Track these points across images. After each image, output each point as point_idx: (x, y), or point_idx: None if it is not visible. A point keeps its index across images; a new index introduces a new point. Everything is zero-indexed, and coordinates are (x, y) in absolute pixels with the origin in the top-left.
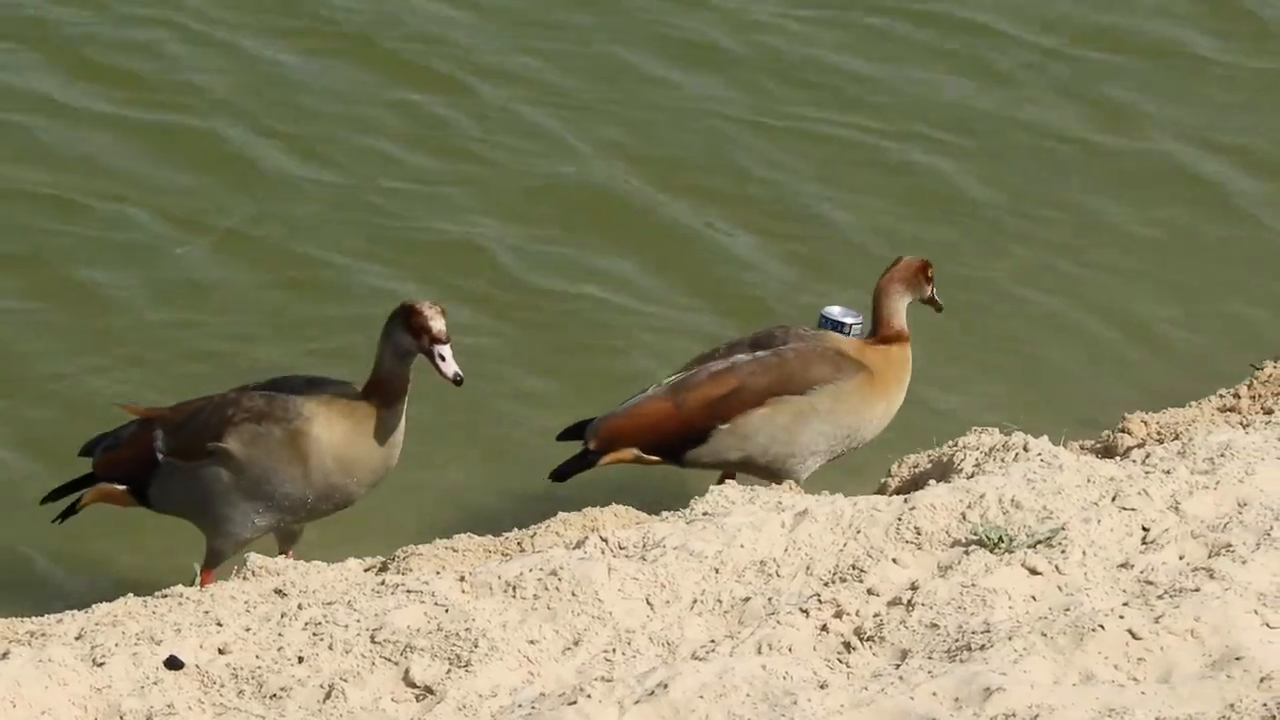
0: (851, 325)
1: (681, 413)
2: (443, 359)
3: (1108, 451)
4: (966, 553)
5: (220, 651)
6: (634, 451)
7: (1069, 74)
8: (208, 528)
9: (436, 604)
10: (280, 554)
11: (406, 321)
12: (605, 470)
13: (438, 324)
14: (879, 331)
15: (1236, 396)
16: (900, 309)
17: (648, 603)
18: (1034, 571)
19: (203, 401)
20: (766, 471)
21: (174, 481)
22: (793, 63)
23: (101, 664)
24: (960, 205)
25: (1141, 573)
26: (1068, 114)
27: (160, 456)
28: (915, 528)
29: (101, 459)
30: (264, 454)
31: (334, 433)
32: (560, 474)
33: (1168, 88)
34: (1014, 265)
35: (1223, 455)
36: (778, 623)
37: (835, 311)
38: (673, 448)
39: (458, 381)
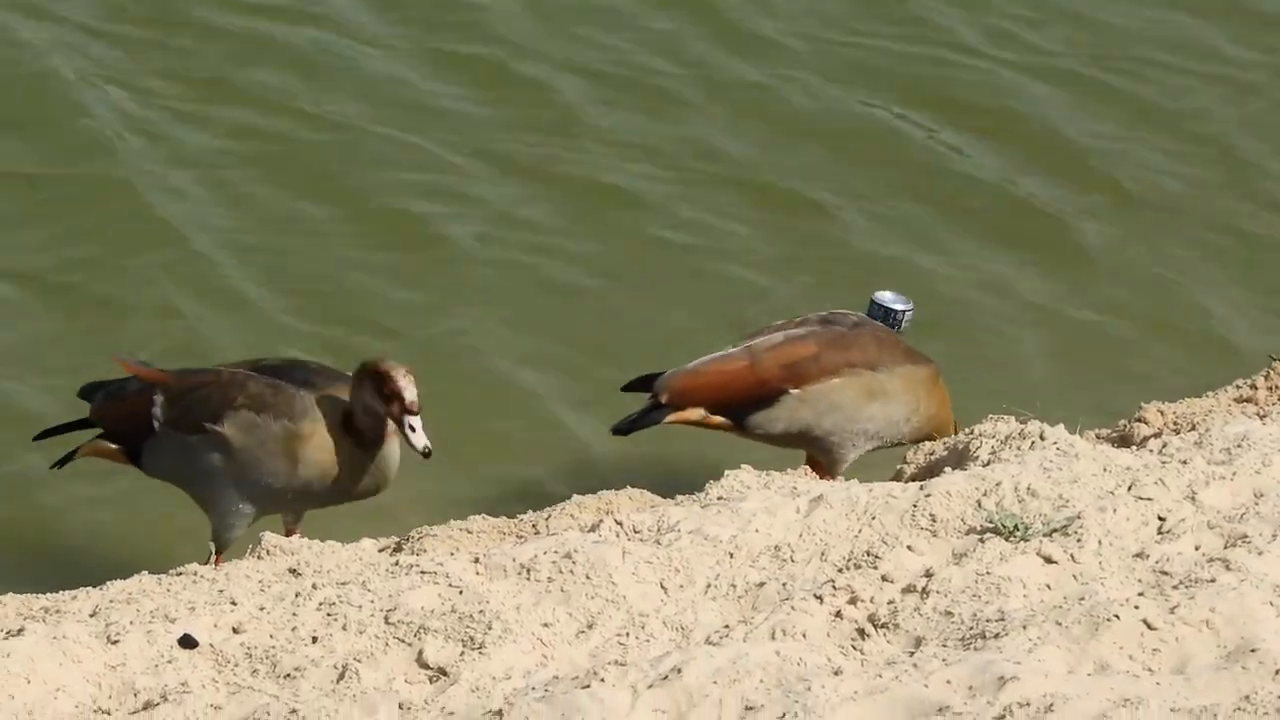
0: (903, 312)
1: (756, 372)
2: (413, 429)
3: (1124, 441)
4: (982, 540)
5: (234, 630)
6: (701, 411)
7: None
8: (199, 503)
9: (451, 585)
10: (286, 533)
11: (377, 386)
12: (620, 453)
13: (410, 393)
14: None
15: (1254, 387)
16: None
17: (662, 587)
18: (1049, 560)
19: (209, 375)
20: (819, 447)
21: (167, 451)
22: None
23: (116, 641)
24: (979, 192)
25: (1157, 563)
26: (1097, 99)
27: (156, 424)
28: (930, 515)
29: (98, 409)
30: (257, 444)
31: (327, 449)
32: (623, 429)
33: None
34: (1031, 254)
35: (1239, 446)
36: (792, 608)
37: (886, 297)
38: (740, 409)
39: (426, 454)
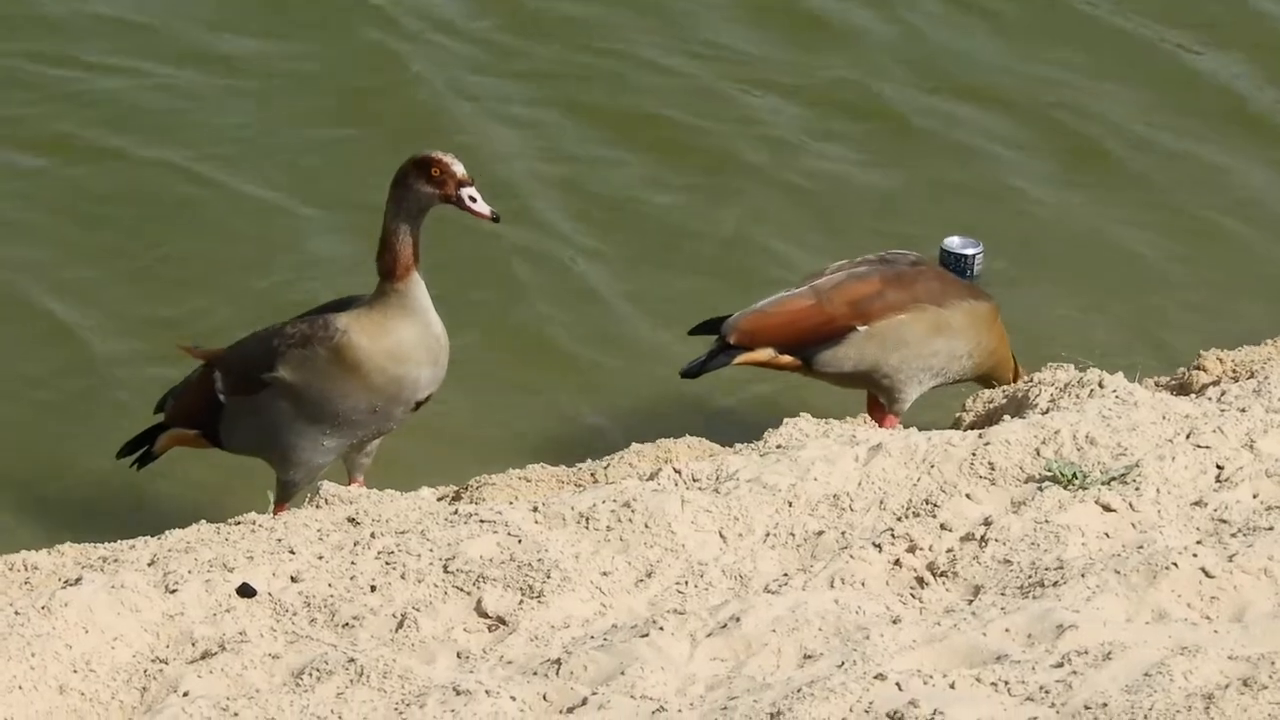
0: (973, 255)
1: (824, 310)
2: (474, 200)
3: (1183, 389)
4: (1040, 489)
5: (292, 580)
6: (770, 351)
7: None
8: (277, 460)
9: (509, 534)
10: (350, 483)
11: (425, 173)
12: (679, 401)
13: (459, 167)
14: None
15: None
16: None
17: (720, 535)
18: (1108, 509)
19: (249, 338)
20: (885, 384)
21: (239, 419)
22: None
23: (174, 591)
24: (1037, 138)
25: (1215, 511)
26: (1149, 48)
27: (222, 397)
28: (989, 463)
29: (171, 411)
30: (316, 375)
31: (372, 331)
32: (692, 371)
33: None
34: (1089, 201)
35: None
36: (850, 557)
37: (955, 243)
38: (809, 347)
39: (495, 219)
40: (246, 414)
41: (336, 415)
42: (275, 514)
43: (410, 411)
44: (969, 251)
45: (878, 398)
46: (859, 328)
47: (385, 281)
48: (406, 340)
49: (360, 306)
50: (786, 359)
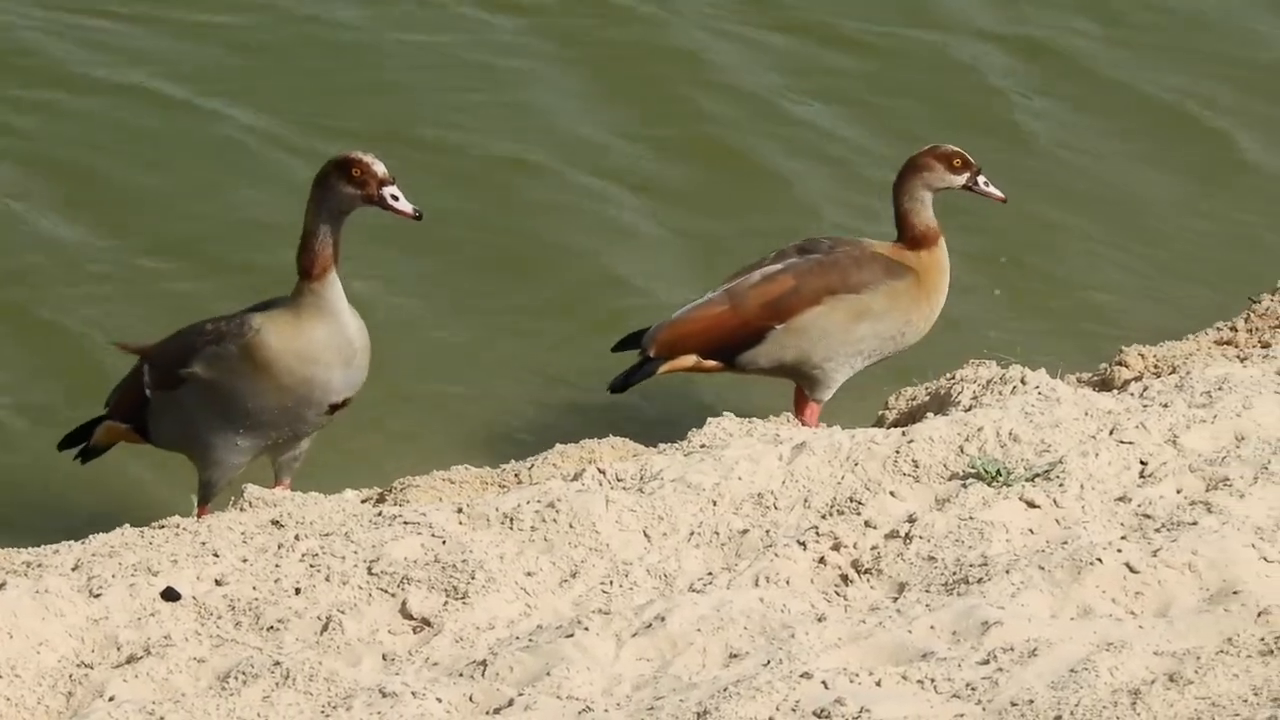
0: None
1: (739, 314)
2: (396, 199)
3: (1105, 385)
4: (964, 486)
5: (217, 583)
6: (693, 358)
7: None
8: (197, 458)
9: (434, 536)
10: (276, 485)
11: (346, 174)
12: (602, 402)
13: (380, 166)
14: (903, 234)
15: (1234, 330)
16: (919, 206)
17: (645, 535)
18: (1032, 505)
19: (175, 333)
20: (816, 372)
21: (162, 414)
22: None
23: (98, 595)
24: (963, 131)
25: (1139, 506)
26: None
27: (148, 392)
28: (913, 460)
29: (112, 404)
30: (227, 372)
31: (284, 331)
32: (619, 385)
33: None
34: (1011, 198)
35: (1220, 389)
36: (775, 555)
37: None
38: (730, 350)
39: (418, 217)
40: (168, 409)
41: (248, 414)
42: (198, 516)
43: (325, 415)
44: None
45: (801, 387)
46: (776, 326)
47: (302, 281)
48: (318, 341)
49: (278, 307)
50: (711, 363)
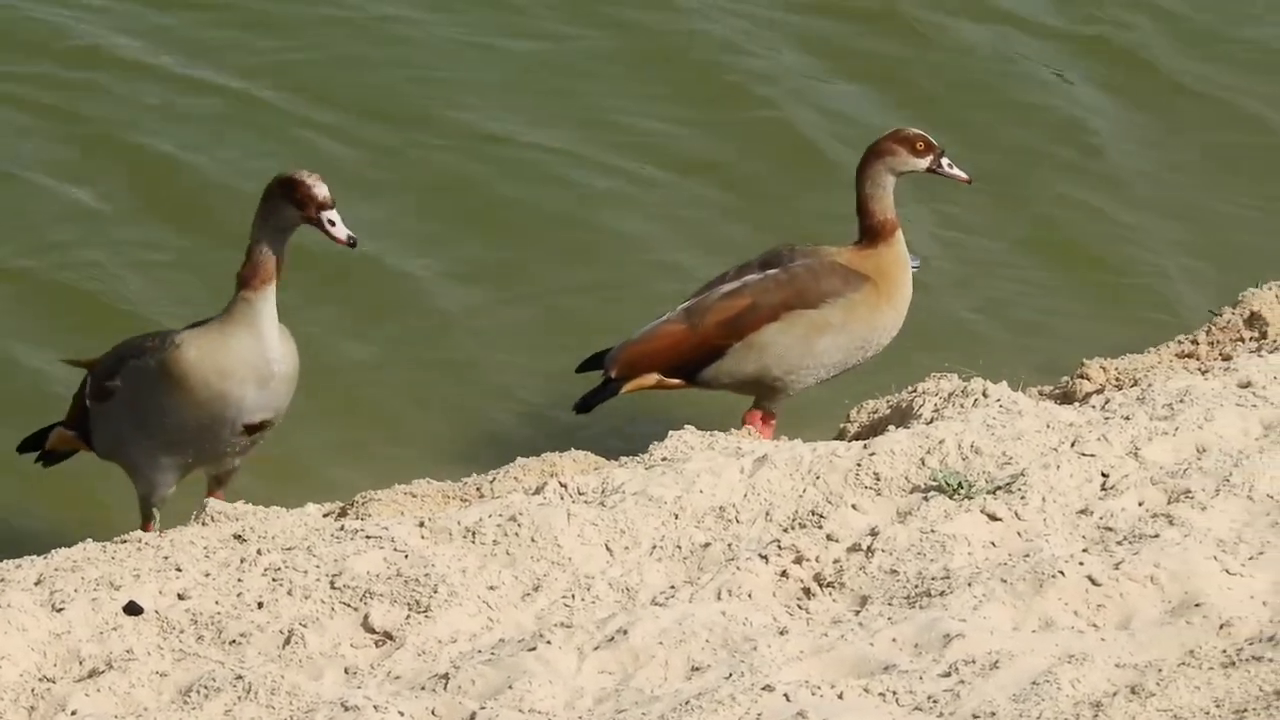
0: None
1: (697, 334)
2: (333, 224)
3: (1067, 398)
4: (926, 499)
5: (179, 597)
6: (655, 376)
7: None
8: (129, 472)
9: (396, 550)
10: (208, 495)
11: (289, 194)
12: (564, 416)
13: (322, 190)
14: (862, 221)
15: (1195, 343)
16: (880, 193)
17: (607, 548)
18: (993, 518)
19: (114, 346)
20: (778, 382)
21: (96, 425)
22: None
23: (61, 609)
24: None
25: (1101, 519)
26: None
27: (88, 402)
28: (874, 473)
29: (68, 413)
30: (145, 387)
31: (204, 345)
32: (583, 405)
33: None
34: (969, 208)
35: (1182, 401)
36: (737, 569)
37: None
38: (691, 368)
39: (352, 244)
40: (100, 420)
41: (164, 429)
42: (146, 531)
43: (242, 436)
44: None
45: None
46: (735, 344)
47: (239, 290)
48: (235, 355)
49: (209, 321)
50: (673, 381)
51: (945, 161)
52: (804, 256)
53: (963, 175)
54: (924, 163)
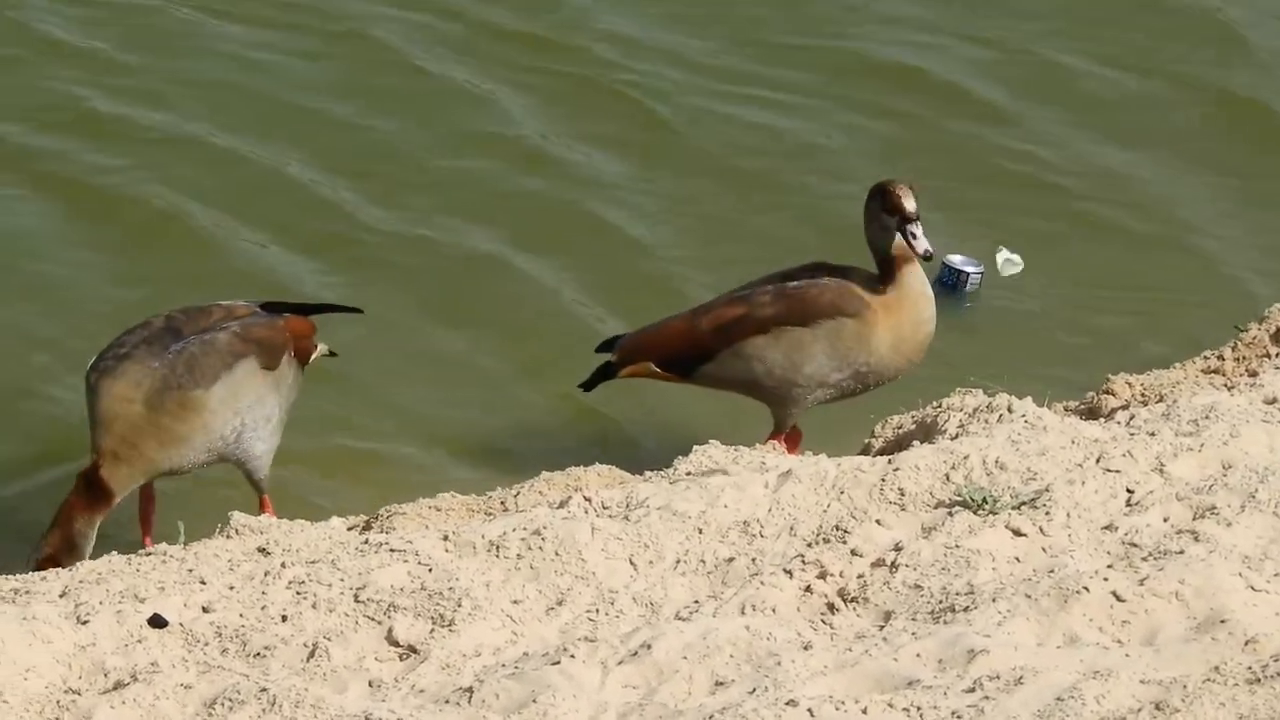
0: (971, 275)
1: (694, 333)
2: (914, 236)
3: (1092, 413)
4: (950, 514)
5: (204, 610)
6: (649, 365)
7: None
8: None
9: (420, 563)
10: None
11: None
12: (589, 429)
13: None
14: (879, 269)
15: (1220, 358)
16: (871, 232)
17: (631, 563)
18: (1018, 533)
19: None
20: (772, 394)
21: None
22: None
23: (85, 622)
24: (942, 158)
25: (1126, 535)
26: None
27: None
28: (899, 489)
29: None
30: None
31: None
32: (587, 385)
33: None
34: (996, 226)
35: (1207, 417)
36: (761, 583)
37: (956, 260)
38: (684, 364)
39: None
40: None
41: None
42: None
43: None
44: (968, 269)
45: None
46: (725, 350)
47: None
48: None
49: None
50: (668, 373)
51: (910, 229)
52: (824, 277)
53: (920, 248)
54: (892, 222)
